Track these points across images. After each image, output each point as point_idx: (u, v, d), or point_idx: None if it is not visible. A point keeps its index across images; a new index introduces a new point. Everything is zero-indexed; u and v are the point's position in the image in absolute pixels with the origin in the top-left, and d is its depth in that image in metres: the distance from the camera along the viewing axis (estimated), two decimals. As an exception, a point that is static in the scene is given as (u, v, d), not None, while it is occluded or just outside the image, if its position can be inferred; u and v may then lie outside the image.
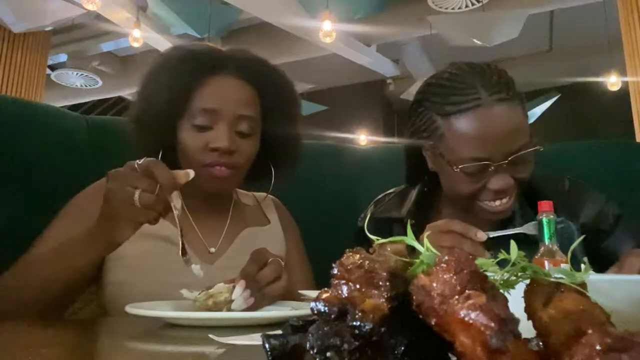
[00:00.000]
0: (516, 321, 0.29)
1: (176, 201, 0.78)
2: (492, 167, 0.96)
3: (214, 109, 1.00)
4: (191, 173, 0.82)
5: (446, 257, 0.32)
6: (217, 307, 0.78)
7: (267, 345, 0.35)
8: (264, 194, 1.25)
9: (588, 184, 1.14)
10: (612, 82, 5.45)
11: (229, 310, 0.77)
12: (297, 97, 1.17)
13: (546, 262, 0.81)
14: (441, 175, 1.07)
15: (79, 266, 0.86)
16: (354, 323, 0.32)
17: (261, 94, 1.08)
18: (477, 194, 1.00)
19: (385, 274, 0.34)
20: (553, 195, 0.94)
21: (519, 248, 0.38)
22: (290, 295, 0.90)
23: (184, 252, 0.81)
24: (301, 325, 0.37)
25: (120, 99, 8.24)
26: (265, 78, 1.09)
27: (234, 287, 0.79)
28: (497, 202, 1.00)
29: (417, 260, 0.37)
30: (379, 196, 1.25)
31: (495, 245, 1.01)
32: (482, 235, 0.88)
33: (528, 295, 0.35)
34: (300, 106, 1.18)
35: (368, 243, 0.41)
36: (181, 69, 1.03)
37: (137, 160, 0.79)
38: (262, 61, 1.12)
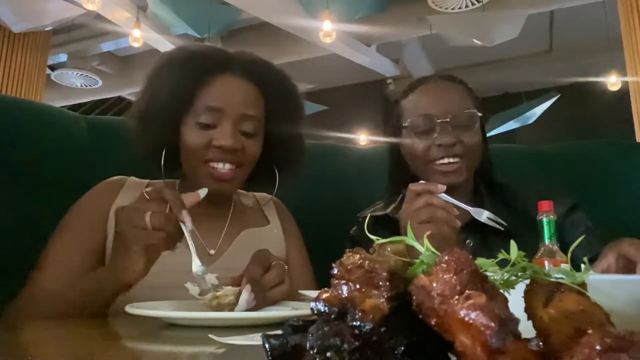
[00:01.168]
0: (516, 321, 0.29)
1: (186, 220, 0.81)
2: (437, 123, 1.14)
3: (219, 108, 1.01)
4: (202, 192, 0.86)
5: (446, 257, 0.32)
6: (220, 308, 0.78)
7: (267, 345, 0.35)
8: (265, 195, 1.25)
9: (560, 192, 1.23)
10: (612, 82, 5.45)
11: (231, 311, 0.78)
12: (301, 101, 1.17)
13: (546, 262, 0.81)
14: (407, 153, 1.23)
15: (93, 306, 0.86)
16: (354, 323, 0.32)
17: (266, 95, 1.08)
18: (428, 153, 1.16)
19: (385, 274, 0.34)
20: (527, 196, 1.06)
21: (498, 242, 0.38)
22: (291, 296, 0.90)
23: (198, 263, 0.83)
24: (301, 325, 0.37)
25: (120, 99, 8.24)
26: (270, 80, 1.10)
27: (240, 290, 0.79)
28: (445, 160, 1.14)
29: (417, 260, 0.37)
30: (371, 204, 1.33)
31: (469, 233, 1.11)
32: (441, 187, 1.01)
33: (528, 295, 0.35)
34: (303, 110, 1.18)
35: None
36: (188, 67, 1.03)
37: (145, 189, 0.83)
38: (268, 64, 1.13)
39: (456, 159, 1.14)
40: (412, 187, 1.03)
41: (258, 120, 1.05)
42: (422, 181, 1.07)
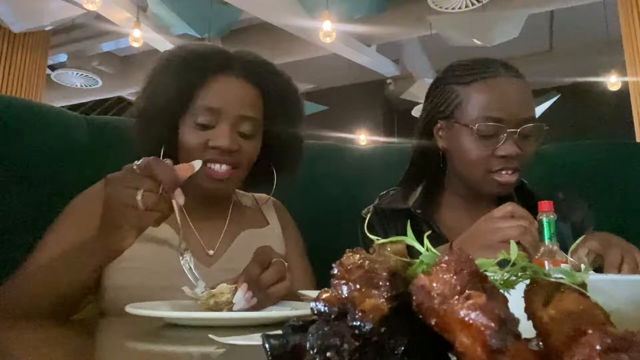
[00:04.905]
0: (516, 321, 0.29)
1: (179, 198, 0.76)
2: (505, 134, 1.04)
3: (217, 108, 1.00)
4: (197, 164, 0.80)
5: (446, 257, 0.32)
6: (218, 307, 0.78)
7: (267, 345, 0.35)
8: (264, 196, 1.25)
9: (574, 194, 1.22)
10: (612, 82, 5.46)
11: (230, 310, 0.77)
12: (301, 102, 1.17)
13: (546, 262, 0.81)
14: (453, 149, 1.13)
15: (81, 275, 0.84)
16: (354, 323, 0.32)
17: (265, 96, 1.08)
18: (487, 162, 1.06)
19: (385, 274, 0.34)
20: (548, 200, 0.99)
21: None
22: (291, 295, 0.90)
23: (181, 246, 0.81)
24: (301, 325, 0.37)
25: (120, 99, 8.24)
26: (270, 81, 1.09)
27: (236, 288, 0.79)
28: (504, 172, 1.06)
29: (417, 260, 0.37)
30: (384, 192, 1.27)
31: None
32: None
33: (528, 295, 0.35)
34: (303, 112, 1.17)
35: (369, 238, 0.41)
36: (187, 67, 1.03)
37: (135, 162, 0.76)
38: (268, 64, 1.12)
39: (514, 172, 1.06)
40: (512, 208, 0.92)
41: (256, 121, 1.05)
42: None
